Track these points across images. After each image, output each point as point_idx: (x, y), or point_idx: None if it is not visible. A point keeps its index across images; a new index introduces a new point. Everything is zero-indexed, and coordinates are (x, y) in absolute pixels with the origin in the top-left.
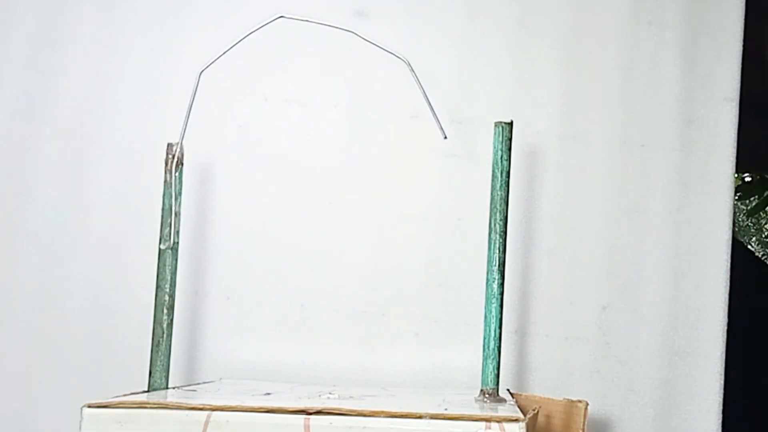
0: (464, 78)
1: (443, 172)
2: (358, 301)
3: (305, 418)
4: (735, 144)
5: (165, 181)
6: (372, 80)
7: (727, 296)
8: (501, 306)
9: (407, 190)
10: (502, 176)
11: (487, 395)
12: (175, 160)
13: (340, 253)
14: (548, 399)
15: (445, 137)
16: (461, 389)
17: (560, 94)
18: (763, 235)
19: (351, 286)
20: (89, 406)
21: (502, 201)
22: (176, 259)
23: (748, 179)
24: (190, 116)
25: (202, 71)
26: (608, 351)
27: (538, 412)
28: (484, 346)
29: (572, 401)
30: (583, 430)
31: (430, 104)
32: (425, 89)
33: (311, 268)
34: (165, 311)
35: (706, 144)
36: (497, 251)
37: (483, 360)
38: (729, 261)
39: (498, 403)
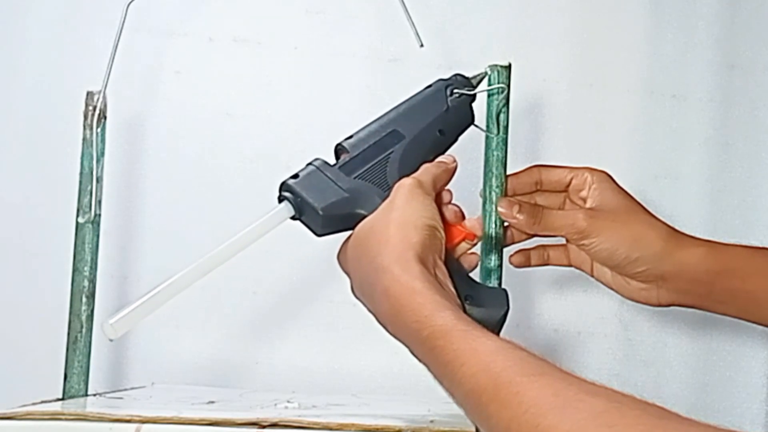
0: (455, 11)
1: None
2: (323, 287)
3: None
4: None
5: (84, 139)
6: (341, 16)
7: None
8: None
9: None
10: (498, 132)
11: None
12: (97, 112)
13: (301, 228)
14: None
15: (422, 45)
16: None
17: (573, 32)
18: None
19: (314, 268)
20: None
21: (499, 163)
22: (98, 236)
23: None
24: (116, 59)
25: (130, 2)
26: (631, 349)
27: None
28: None
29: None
30: None
31: (404, 6)
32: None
33: (266, 246)
34: (84, 300)
35: (751, 94)
36: (493, 226)
37: None
38: None
39: None
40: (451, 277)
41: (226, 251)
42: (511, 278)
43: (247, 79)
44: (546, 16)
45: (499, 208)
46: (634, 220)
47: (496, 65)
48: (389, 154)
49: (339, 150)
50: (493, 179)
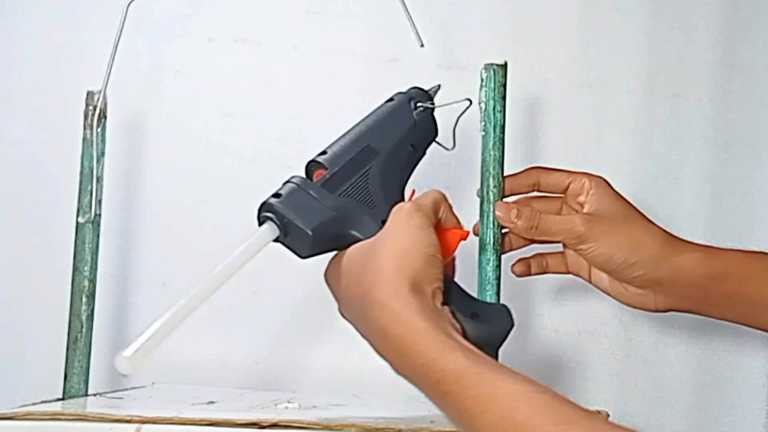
0: (455, 12)
1: None
2: (323, 287)
3: None
4: None
5: (84, 139)
6: (341, 16)
7: None
8: (498, 293)
9: None
10: (495, 132)
11: None
12: (97, 112)
13: None
14: None
15: (422, 45)
16: None
17: (573, 32)
18: None
19: (314, 268)
20: None
21: (496, 163)
22: (98, 236)
23: None
24: (116, 59)
25: (130, 2)
26: (631, 349)
27: None
28: None
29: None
30: None
31: (405, 6)
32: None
33: (265, 246)
34: (84, 300)
35: (751, 94)
36: (491, 226)
37: None
38: None
39: None
40: (453, 297)
41: (219, 276)
42: (510, 279)
43: (247, 79)
44: (546, 16)
45: (497, 212)
46: (631, 225)
47: (491, 64)
48: (368, 170)
49: (312, 166)
50: (491, 179)
